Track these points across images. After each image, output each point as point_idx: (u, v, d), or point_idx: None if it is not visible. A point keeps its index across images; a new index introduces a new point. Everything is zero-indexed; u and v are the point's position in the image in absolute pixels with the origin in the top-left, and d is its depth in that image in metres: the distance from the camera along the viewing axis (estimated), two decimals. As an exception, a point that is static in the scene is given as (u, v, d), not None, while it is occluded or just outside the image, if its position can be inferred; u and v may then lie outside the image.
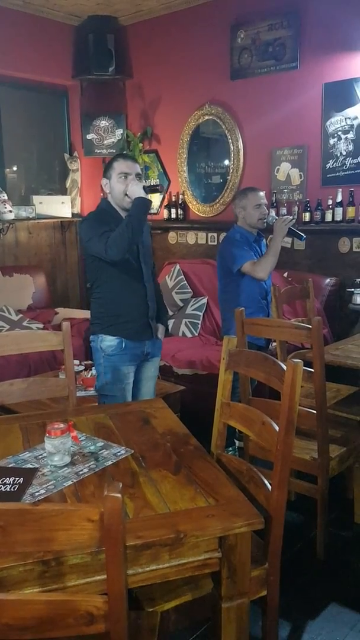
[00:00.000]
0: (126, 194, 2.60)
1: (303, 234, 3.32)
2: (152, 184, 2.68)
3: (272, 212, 3.47)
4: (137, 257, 2.68)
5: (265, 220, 3.33)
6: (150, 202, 2.61)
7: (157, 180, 5.41)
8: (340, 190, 4.17)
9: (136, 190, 2.56)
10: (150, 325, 2.74)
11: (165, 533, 1.41)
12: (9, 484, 1.64)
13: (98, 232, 2.54)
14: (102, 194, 2.83)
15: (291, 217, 3.34)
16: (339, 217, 4.18)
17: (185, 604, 1.68)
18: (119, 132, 5.52)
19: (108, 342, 2.67)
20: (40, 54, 5.17)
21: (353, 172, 4.14)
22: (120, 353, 2.67)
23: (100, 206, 2.74)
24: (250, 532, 1.52)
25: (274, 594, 1.77)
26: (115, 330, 2.66)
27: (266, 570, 1.73)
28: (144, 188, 2.58)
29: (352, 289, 4.03)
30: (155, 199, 5.48)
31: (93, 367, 3.09)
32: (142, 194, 2.55)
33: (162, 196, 5.46)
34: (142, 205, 2.55)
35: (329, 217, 4.23)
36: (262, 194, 3.36)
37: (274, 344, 3.60)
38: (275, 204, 4.52)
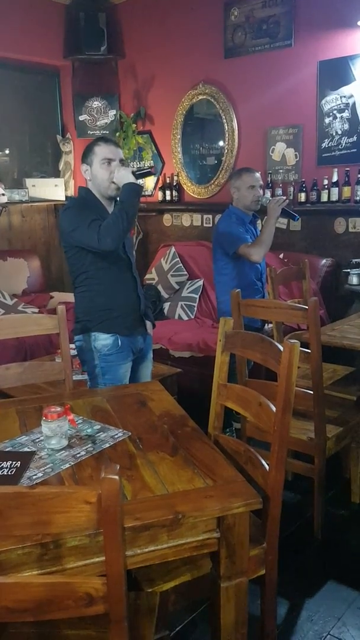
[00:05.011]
0: (112, 182, 2.43)
1: (297, 214, 3.27)
2: (141, 167, 2.57)
3: (267, 194, 3.43)
4: (124, 246, 2.52)
5: (259, 202, 3.29)
6: (141, 187, 2.44)
7: (152, 161, 5.35)
8: (335, 170, 4.14)
9: (124, 175, 2.39)
10: (143, 319, 2.60)
11: (163, 514, 1.41)
12: (7, 468, 1.64)
13: (86, 221, 2.35)
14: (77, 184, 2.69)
15: (285, 198, 3.29)
16: (334, 197, 4.15)
17: (184, 584, 1.69)
18: (112, 112, 5.46)
19: (103, 340, 2.48)
20: (30, 34, 5.08)
21: (348, 151, 4.10)
22: (118, 352, 2.49)
23: (80, 195, 2.56)
24: (248, 512, 1.52)
25: (272, 573, 1.78)
26: (109, 327, 2.48)
27: (264, 549, 1.74)
28: (132, 173, 2.41)
29: (348, 270, 4.02)
30: (150, 180, 5.44)
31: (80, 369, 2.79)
32: (131, 179, 2.39)
33: (156, 178, 5.41)
34: (133, 191, 2.39)
35: (324, 198, 4.20)
36: (257, 175, 3.32)
37: (270, 325, 3.60)
38: (270, 185, 4.49)
